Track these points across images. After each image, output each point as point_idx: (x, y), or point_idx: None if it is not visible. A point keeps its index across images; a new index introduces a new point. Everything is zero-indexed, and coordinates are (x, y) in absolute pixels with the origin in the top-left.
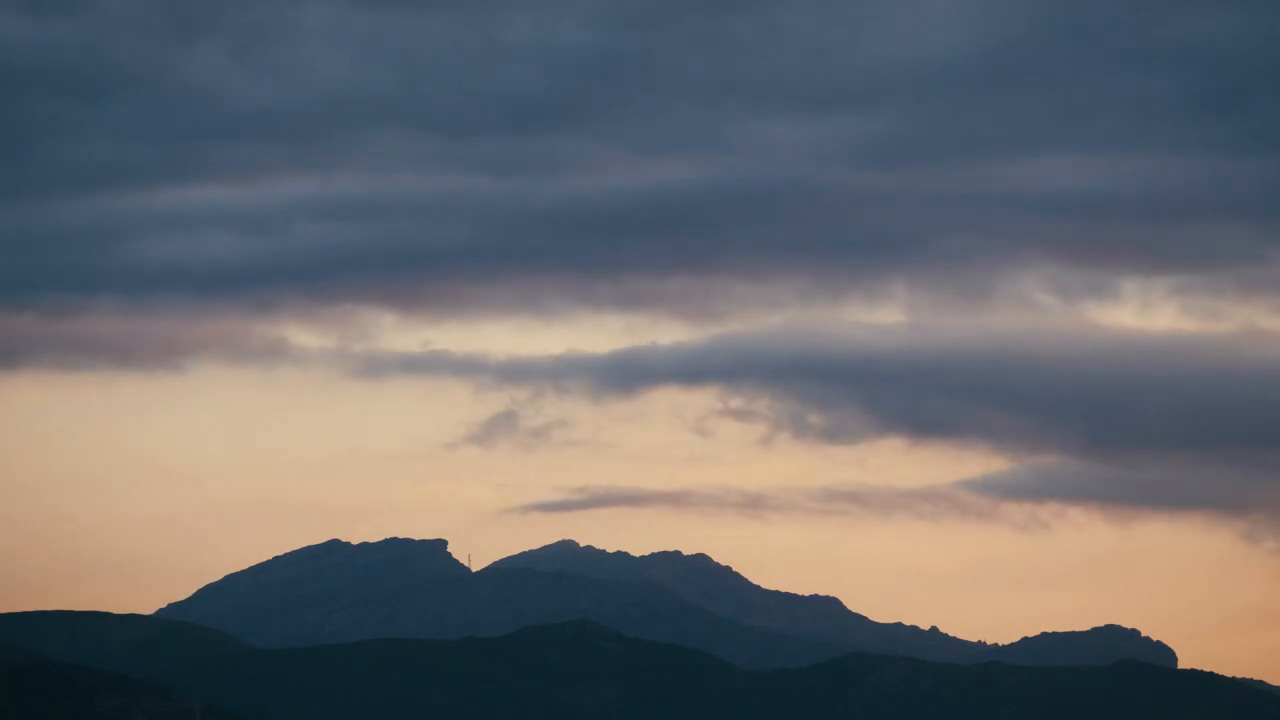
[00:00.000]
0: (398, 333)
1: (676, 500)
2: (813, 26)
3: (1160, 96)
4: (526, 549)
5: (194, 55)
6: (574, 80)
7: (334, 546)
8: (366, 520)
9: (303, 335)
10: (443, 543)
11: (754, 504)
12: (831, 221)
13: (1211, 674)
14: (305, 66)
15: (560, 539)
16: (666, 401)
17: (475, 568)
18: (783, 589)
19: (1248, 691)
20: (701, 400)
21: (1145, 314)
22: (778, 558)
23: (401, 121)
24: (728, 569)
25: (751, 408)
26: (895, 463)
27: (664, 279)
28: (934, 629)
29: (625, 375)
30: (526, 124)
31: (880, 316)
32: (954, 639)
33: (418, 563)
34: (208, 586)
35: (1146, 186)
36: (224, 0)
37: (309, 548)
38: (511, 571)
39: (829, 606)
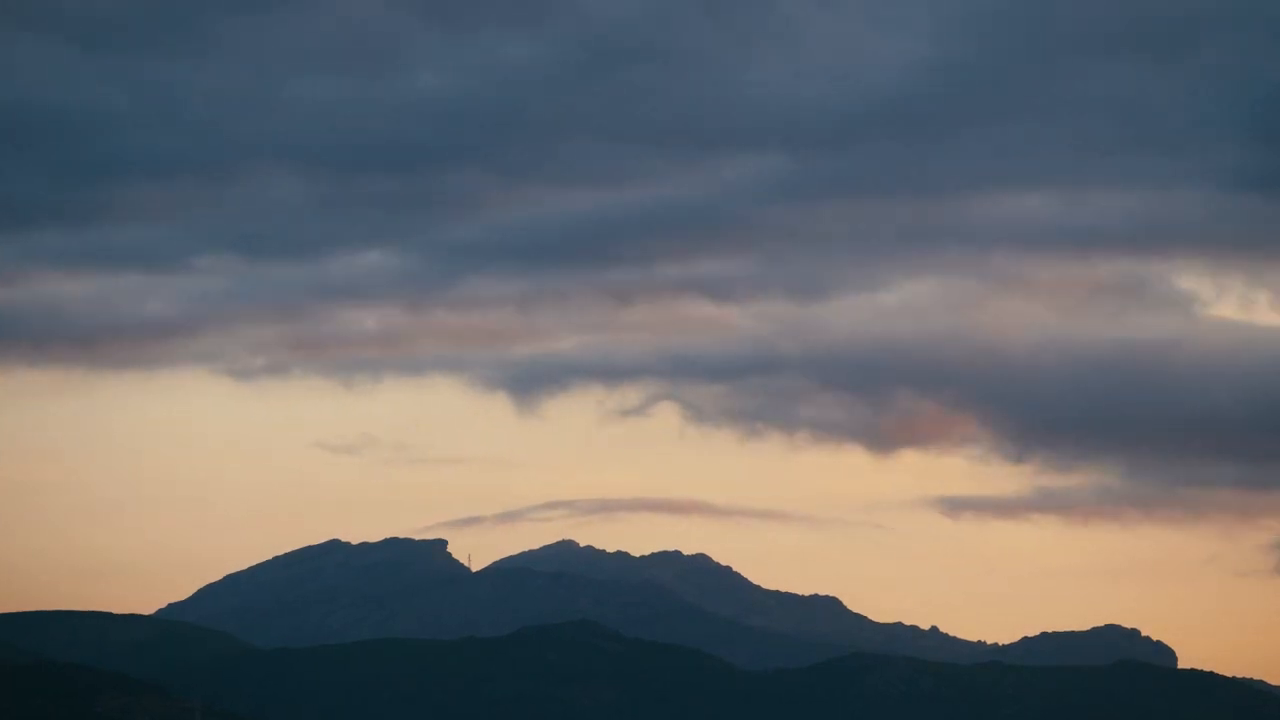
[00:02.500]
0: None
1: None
2: (711, 72)
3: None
4: (526, 549)
5: (97, 98)
6: (477, 124)
7: (333, 546)
8: (365, 520)
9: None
10: (442, 543)
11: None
12: (735, 247)
13: (1211, 674)
14: (215, 116)
15: (560, 539)
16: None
17: (475, 568)
18: (783, 589)
19: (1248, 691)
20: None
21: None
22: (778, 558)
23: (310, 164)
24: (728, 569)
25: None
26: (880, 467)
27: (590, 292)
28: (934, 629)
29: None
30: (435, 164)
31: (820, 331)
32: (954, 639)
33: (417, 563)
34: (208, 587)
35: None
36: (130, 51)
37: (308, 548)
38: (511, 572)
39: (829, 606)
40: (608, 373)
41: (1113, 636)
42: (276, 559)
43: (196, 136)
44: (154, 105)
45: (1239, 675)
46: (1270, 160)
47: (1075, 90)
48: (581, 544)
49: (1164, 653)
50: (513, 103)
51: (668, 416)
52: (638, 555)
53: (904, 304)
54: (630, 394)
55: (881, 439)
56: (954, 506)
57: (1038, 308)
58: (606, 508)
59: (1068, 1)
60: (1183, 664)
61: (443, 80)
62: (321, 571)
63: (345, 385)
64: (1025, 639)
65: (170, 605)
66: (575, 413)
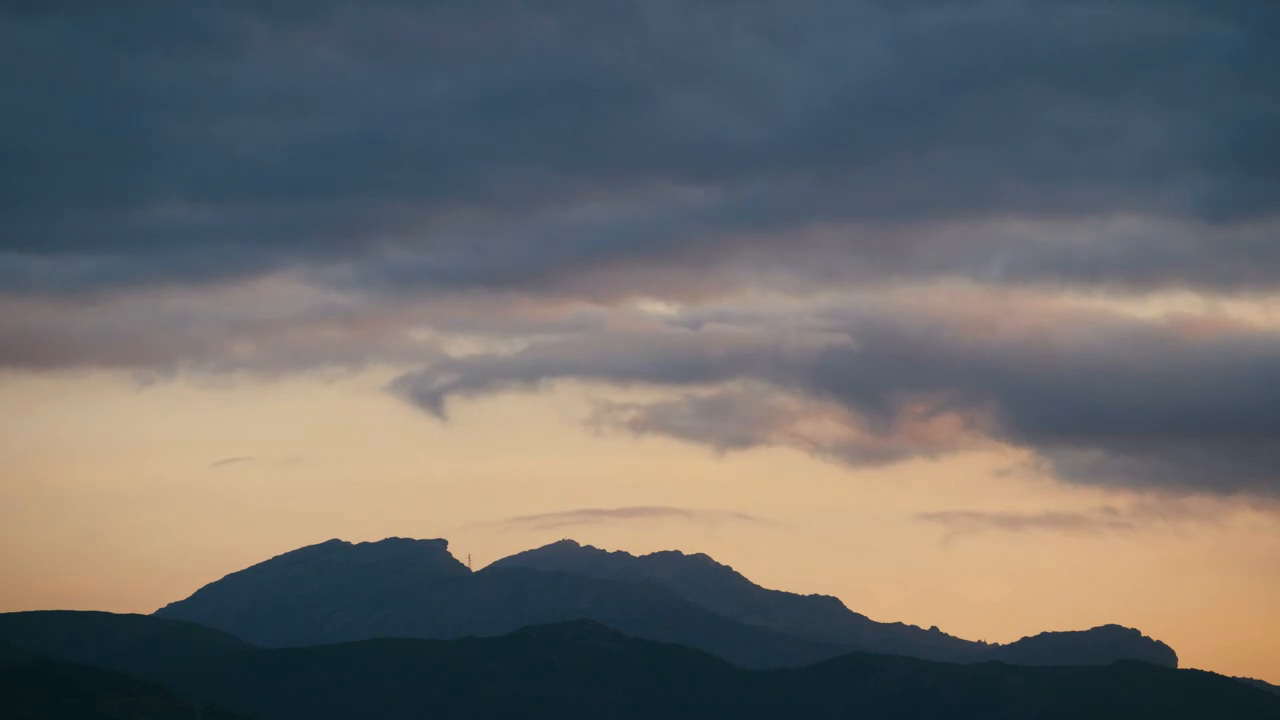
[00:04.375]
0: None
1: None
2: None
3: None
4: (526, 549)
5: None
6: (399, 155)
7: (334, 546)
8: (366, 520)
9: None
10: (443, 542)
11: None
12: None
13: (1211, 674)
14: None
15: (560, 539)
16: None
17: (475, 568)
18: (783, 589)
19: (1248, 691)
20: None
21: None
22: (778, 558)
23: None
24: (728, 569)
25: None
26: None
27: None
28: (934, 629)
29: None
30: (358, 193)
31: (800, 343)
32: (954, 639)
33: (417, 563)
34: (208, 586)
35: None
36: (53, 86)
37: (309, 547)
38: (511, 571)
39: (829, 606)
40: (585, 381)
41: (1113, 636)
42: (276, 559)
43: (119, 168)
44: (77, 138)
45: (1239, 675)
46: (1225, 187)
47: (1027, 119)
48: (581, 544)
49: (1164, 653)
50: (435, 134)
51: (660, 426)
52: (638, 555)
53: (886, 313)
54: (617, 403)
55: (881, 445)
56: (954, 518)
57: (1019, 325)
58: (601, 515)
59: (1021, 30)
60: (1183, 664)
61: (366, 116)
62: (321, 571)
63: (311, 397)
64: (1025, 639)
65: (170, 605)
66: (559, 420)
